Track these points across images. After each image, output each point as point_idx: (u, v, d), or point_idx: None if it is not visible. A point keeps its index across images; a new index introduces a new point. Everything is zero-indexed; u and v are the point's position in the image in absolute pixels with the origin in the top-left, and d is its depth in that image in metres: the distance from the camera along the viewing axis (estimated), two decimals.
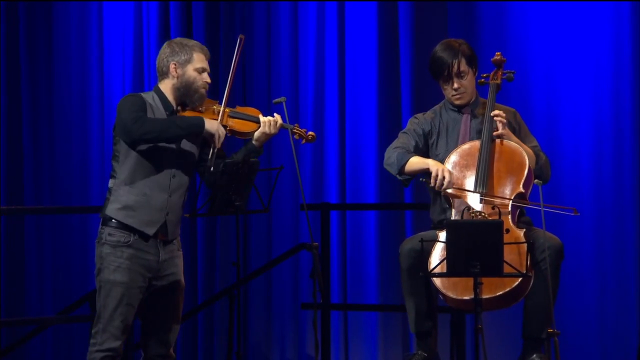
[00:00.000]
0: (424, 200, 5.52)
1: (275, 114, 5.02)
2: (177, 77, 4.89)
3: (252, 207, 6.12)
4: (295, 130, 5.06)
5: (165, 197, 4.82)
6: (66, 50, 8.41)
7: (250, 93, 7.91)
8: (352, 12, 7.62)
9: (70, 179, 8.34)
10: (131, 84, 8.16)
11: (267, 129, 4.96)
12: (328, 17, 7.69)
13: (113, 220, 4.80)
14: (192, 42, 4.95)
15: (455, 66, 5.17)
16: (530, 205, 5.03)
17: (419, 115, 5.38)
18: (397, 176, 5.21)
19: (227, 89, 5.01)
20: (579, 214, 5.00)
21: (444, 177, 5.02)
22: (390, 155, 5.22)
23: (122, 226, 4.79)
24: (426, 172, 5.10)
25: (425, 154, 5.25)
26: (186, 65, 4.88)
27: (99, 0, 8.32)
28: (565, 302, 6.73)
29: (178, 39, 4.99)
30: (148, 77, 8.15)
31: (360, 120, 7.59)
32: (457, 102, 5.25)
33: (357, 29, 7.61)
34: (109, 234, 4.80)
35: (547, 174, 5.23)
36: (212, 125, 4.83)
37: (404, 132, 5.32)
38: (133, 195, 4.80)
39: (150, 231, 4.81)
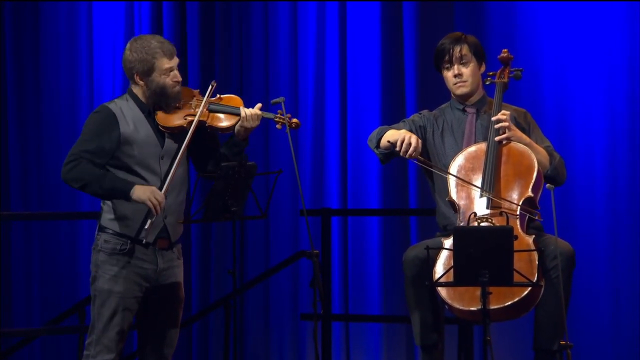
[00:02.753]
0: (430, 205, 5.52)
1: (260, 104, 4.98)
2: (145, 86, 4.84)
3: (249, 213, 6.10)
4: (277, 119, 5.01)
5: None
6: (54, 51, 8.42)
7: (247, 93, 7.91)
8: (353, 13, 7.64)
9: (58, 184, 8.31)
10: (121, 86, 8.16)
11: (246, 123, 4.91)
12: (329, 17, 7.71)
13: (109, 228, 4.81)
14: (152, 46, 4.82)
15: (457, 50, 5.19)
16: (534, 216, 5.01)
17: (425, 111, 5.40)
18: (375, 150, 5.24)
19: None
20: (542, 219, 4.99)
21: (410, 144, 5.01)
22: (373, 131, 5.28)
23: (119, 234, 4.80)
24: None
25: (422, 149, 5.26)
26: (150, 74, 4.82)
27: (89, 0, 8.32)
28: (578, 313, 6.72)
29: (139, 43, 4.86)
30: None
31: (362, 122, 7.60)
32: (458, 92, 5.24)
33: (359, 30, 7.63)
34: (105, 241, 4.80)
35: (562, 174, 5.20)
36: (142, 193, 4.71)
37: (404, 120, 5.36)
38: (127, 203, 4.78)
39: (150, 238, 4.80)
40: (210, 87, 4.96)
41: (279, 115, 5.01)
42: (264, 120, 5.04)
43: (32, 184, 8.47)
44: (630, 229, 6.89)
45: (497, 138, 5.09)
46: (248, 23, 7.97)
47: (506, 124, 5.10)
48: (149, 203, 4.69)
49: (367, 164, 7.57)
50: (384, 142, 5.16)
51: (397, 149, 5.04)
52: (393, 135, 5.13)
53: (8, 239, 8.43)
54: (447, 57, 5.21)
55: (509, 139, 5.10)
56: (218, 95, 4.99)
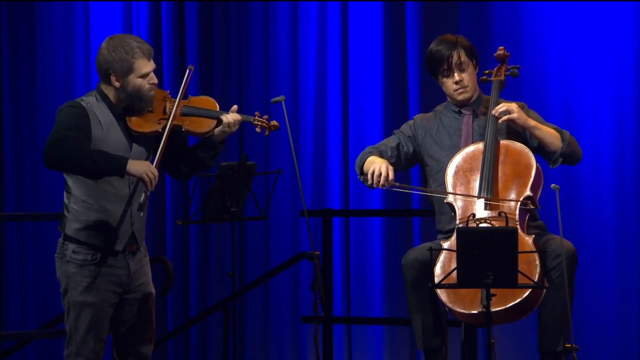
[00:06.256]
0: (433, 206, 5.60)
1: (236, 106, 4.96)
2: (120, 87, 4.73)
3: (248, 214, 6.21)
4: (256, 122, 4.99)
5: (127, 208, 4.77)
6: (50, 52, 8.42)
7: (246, 93, 7.96)
8: (355, 13, 7.66)
9: (53, 184, 8.38)
10: None
11: (228, 129, 4.87)
12: (330, 17, 7.72)
13: (77, 238, 4.75)
14: (132, 47, 4.71)
15: (455, 57, 5.23)
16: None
17: (418, 116, 5.46)
18: (360, 177, 5.29)
19: (176, 102, 4.82)
20: (539, 207, 5.04)
21: (380, 174, 5.07)
22: (359, 156, 5.33)
23: (88, 244, 4.74)
24: None
25: (412, 156, 5.33)
26: (128, 75, 4.71)
27: (86, 0, 8.38)
28: (585, 315, 6.76)
29: (117, 41, 4.74)
30: None
31: (364, 121, 7.63)
32: (460, 98, 5.29)
33: (362, 30, 7.64)
34: (74, 252, 4.74)
35: (577, 151, 5.22)
36: (138, 168, 4.62)
37: (394, 132, 5.42)
38: (93, 213, 4.73)
39: (119, 247, 4.77)
40: (187, 71, 4.87)
41: (257, 117, 4.99)
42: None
43: (26, 185, 8.49)
44: (638, 228, 6.92)
45: (501, 120, 5.14)
46: (247, 23, 7.99)
47: (504, 107, 5.14)
48: (145, 177, 4.59)
49: None
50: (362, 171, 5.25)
51: (369, 182, 5.12)
52: (366, 165, 5.20)
53: (2, 240, 8.45)
54: (445, 65, 5.24)
55: (514, 120, 5.13)
56: (189, 97, 4.91)
